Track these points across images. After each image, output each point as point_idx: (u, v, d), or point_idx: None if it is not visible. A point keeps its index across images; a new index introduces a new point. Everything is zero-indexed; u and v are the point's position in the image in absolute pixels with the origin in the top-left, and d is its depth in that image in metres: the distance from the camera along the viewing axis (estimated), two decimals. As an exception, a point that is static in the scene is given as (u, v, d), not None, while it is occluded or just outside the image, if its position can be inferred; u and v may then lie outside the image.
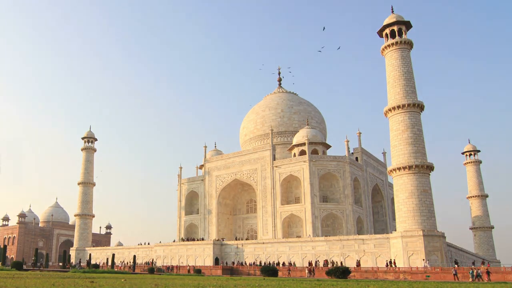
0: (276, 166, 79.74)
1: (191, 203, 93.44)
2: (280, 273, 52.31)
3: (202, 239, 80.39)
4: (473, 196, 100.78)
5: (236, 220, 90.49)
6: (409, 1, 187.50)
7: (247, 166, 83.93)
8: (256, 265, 63.38)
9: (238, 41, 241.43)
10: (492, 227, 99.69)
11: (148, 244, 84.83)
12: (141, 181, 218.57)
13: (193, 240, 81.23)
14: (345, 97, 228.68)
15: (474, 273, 43.11)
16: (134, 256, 71.86)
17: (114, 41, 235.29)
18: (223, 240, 75.98)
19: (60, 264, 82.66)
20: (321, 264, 59.36)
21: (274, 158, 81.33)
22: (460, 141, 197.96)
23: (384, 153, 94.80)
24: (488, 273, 43.66)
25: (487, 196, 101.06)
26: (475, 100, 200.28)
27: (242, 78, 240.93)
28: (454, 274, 44.25)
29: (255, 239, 76.56)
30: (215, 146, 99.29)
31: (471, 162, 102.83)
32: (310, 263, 59.71)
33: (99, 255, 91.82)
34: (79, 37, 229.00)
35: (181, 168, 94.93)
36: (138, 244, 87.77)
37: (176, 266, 68.84)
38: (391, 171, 56.41)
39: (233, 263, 67.91)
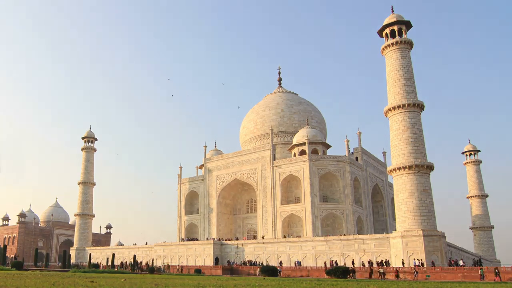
0: (276, 166, 79.74)
1: (191, 202, 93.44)
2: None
3: (214, 239, 79.56)
4: (473, 196, 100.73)
5: (236, 220, 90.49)
6: (409, 1, 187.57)
7: (247, 166, 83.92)
8: (258, 265, 63.28)
9: (238, 41, 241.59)
10: (492, 227, 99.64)
11: (162, 243, 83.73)
12: (141, 181, 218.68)
13: (194, 240, 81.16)
14: (345, 97, 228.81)
15: None
16: (134, 256, 71.81)
17: (114, 41, 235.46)
18: (216, 240, 75.86)
19: (60, 264, 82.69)
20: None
21: (274, 158, 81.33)
22: (460, 141, 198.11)
23: (384, 153, 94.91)
24: None
25: (487, 196, 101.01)
26: (475, 100, 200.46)
27: (242, 78, 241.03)
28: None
29: (255, 239, 76.54)
30: (215, 146, 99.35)
31: (471, 162, 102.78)
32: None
33: (99, 255, 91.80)
34: (79, 37, 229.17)
35: (181, 168, 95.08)
36: (135, 244, 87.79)
37: (179, 266, 68.75)
38: (391, 171, 56.39)
39: (233, 262, 67.86)
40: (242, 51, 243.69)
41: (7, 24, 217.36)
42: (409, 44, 59.63)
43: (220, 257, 70.96)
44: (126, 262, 78.84)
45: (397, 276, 46.76)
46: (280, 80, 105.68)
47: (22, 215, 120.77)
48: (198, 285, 21.41)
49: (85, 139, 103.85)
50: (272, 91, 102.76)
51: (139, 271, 66.15)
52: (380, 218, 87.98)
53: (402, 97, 57.09)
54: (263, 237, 73.43)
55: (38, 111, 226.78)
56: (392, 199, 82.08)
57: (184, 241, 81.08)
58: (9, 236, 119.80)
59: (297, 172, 76.75)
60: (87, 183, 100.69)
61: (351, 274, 44.61)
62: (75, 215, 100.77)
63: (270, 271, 49.05)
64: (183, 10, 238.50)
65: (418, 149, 55.14)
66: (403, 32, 60.74)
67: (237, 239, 79.95)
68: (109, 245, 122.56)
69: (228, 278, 39.41)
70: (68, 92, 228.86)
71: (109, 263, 73.35)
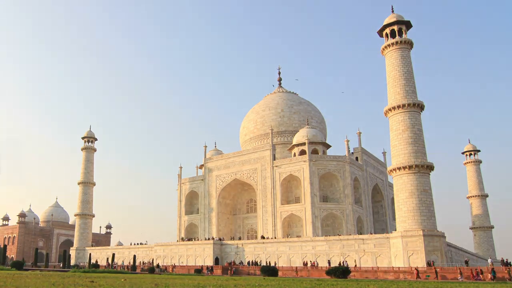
0: (276, 166, 79.70)
1: (191, 202, 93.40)
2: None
3: (214, 239, 79.09)
4: (473, 196, 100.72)
5: (236, 219, 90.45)
6: (409, 1, 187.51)
7: (247, 166, 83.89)
8: (257, 264, 63.30)
9: (238, 41, 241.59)
10: (492, 227, 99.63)
11: (162, 243, 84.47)
12: (141, 181, 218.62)
13: (193, 240, 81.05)
14: (345, 97, 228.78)
15: None
16: (134, 256, 71.84)
17: (115, 41, 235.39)
18: (217, 240, 75.77)
19: (60, 264, 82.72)
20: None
21: (274, 158, 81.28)
22: (460, 141, 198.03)
23: (384, 153, 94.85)
24: None
25: (487, 196, 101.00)
26: (475, 100, 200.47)
27: (242, 78, 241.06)
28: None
29: (255, 239, 76.49)
30: (215, 146, 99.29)
31: (471, 162, 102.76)
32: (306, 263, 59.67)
33: (99, 255, 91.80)
34: (79, 37, 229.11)
35: (181, 168, 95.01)
36: (137, 244, 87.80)
37: (176, 266, 68.72)
38: (391, 171, 56.36)
39: (234, 262, 67.79)
40: (242, 51, 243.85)
41: (7, 24, 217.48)
42: (409, 44, 59.60)
43: (220, 257, 70.93)
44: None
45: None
46: (280, 80, 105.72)
47: (22, 215, 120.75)
48: (198, 285, 21.40)
49: (85, 139, 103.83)
50: (272, 91, 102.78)
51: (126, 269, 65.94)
52: (380, 218, 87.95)
53: (402, 97, 57.06)
54: (262, 237, 73.33)
55: (38, 111, 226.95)
56: (392, 199, 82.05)
57: (184, 240, 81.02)
58: (9, 236, 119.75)
59: (297, 172, 76.71)
60: (87, 183, 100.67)
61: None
62: (75, 215, 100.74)
63: (270, 270, 49.04)
64: (184, 10, 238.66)
65: (418, 149, 55.11)
66: (403, 32, 60.72)
67: (239, 239, 79.95)
68: (109, 245, 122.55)
69: (228, 278, 39.41)
70: (68, 92, 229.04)
71: (109, 263, 73.30)
